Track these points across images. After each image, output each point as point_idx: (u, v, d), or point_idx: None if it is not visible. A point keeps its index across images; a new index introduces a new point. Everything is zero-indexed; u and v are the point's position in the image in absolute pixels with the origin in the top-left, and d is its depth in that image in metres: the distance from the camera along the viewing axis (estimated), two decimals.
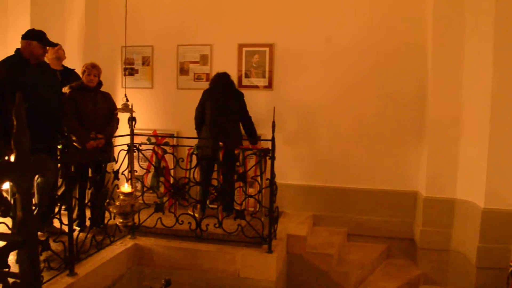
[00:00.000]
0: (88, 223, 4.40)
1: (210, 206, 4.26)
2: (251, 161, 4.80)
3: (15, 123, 1.07)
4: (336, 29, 5.31)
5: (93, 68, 4.37)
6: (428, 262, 4.82)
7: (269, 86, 5.52)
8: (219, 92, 4.92)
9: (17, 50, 3.93)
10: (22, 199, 1.06)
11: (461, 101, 4.63)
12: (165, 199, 4.45)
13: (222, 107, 4.85)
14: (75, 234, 3.56)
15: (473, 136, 4.47)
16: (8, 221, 2.98)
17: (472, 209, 4.37)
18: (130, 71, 5.96)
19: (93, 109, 4.34)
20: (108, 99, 4.56)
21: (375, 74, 5.25)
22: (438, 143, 4.77)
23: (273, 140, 3.92)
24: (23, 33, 4.04)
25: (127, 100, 3.51)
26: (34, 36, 3.92)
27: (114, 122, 4.55)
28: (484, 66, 4.25)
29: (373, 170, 5.31)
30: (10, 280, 1.13)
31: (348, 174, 5.37)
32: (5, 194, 2.91)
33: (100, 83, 4.49)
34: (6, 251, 1.06)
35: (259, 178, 4.31)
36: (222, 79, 4.98)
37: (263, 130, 5.35)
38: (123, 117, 4.16)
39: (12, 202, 2.61)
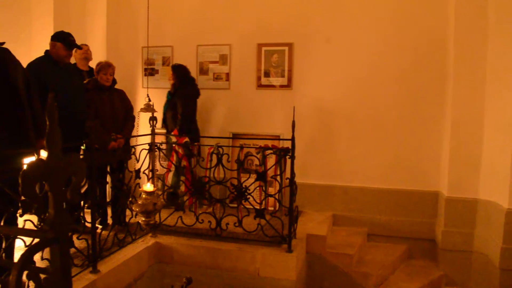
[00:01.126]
0: (109, 221, 4.49)
1: (230, 205, 4.28)
2: (271, 160, 4.80)
3: (47, 123, 1.10)
4: (356, 28, 5.28)
5: (109, 67, 4.41)
6: (449, 263, 4.76)
7: (288, 85, 5.52)
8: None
9: (46, 51, 4.04)
10: (54, 198, 1.09)
11: (484, 100, 4.56)
12: (185, 198, 4.48)
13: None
14: (98, 232, 3.61)
15: (496, 136, 4.39)
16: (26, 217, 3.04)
17: (495, 210, 4.30)
18: (150, 71, 6.02)
19: (111, 109, 4.40)
20: (123, 98, 4.62)
21: (395, 73, 5.20)
22: (460, 143, 4.70)
23: (293, 139, 3.92)
24: (46, 34, 4.16)
25: (149, 100, 3.56)
26: (59, 38, 4.03)
27: (131, 121, 4.61)
28: (508, 64, 4.17)
29: (393, 169, 5.26)
30: (42, 276, 1.16)
31: (368, 173, 5.33)
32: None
33: (114, 81, 4.53)
34: (38, 247, 1.09)
35: (278, 177, 4.31)
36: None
37: (282, 130, 5.36)
38: (144, 116, 4.21)
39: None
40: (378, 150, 5.30)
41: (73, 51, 4.30)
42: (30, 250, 1.06)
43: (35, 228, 3.10)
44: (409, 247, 5.19)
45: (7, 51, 3.22)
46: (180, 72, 5.20)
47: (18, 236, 2.84)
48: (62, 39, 4.02)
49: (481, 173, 4.61)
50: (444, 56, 4.97)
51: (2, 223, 2.81)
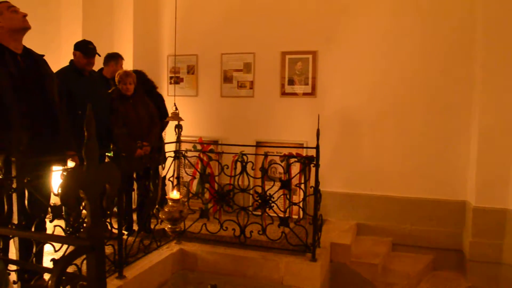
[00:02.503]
0: (135, 227, 4.55)
1: (254, 213, 4.28)
2: (295, 168, 4.80)
3: (85, 134, 1.13)
4: (381, 35, 5.25)
5: (126, 77, 4.44)
6: (477, 274, 4.65)
7: (312, 93, 5.51)
8: None
9: (71, 61, 4.16)
10: (91, 206, 1.12)
11: None
12: (210, 205, 4.51)
13: None
14: (124, 238, 3.67)
15: None
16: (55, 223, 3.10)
17: None
18: (175, 80, 6.10)
19: (136, 117, 4.47)
20: (147, 104, 4.68)
21: (420, 80, 5.14)
22: (489, 150, 4.61)
23: (317, 147, 3.91)
24: (74, 43, 4.27)
25: (177, 109, 3.61)
26: (78, 47, 4.13)
27: (156, 128, 4.67)
28: None
29: (419, 178, 5.19)
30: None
31: (393, 182, 5.26)
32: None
33: (137, 89, 4.58)
34: (76, 255, 1.12)
35: (302, 186, 4.31)
36: None
37: (306, 137, 5.35)
38: (170, 124, 4.27)
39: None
40: (403, 159, 5.24)
41: (95, 59, 4.36)
42: (68, 258, 1.09)
43: (64, 234, 3.17)
44: (435, 257, 5.09)
45: (45, 63, 3.33)
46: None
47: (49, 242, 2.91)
48: (81, 48, 4.10)
49: (510, 182, 4.51)
50: (472, 61, 4.89)
51: (33, 229, 2.89)
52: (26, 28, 3.19)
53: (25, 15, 3.16)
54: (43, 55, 3.36)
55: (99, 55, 4.40)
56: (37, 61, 3.26)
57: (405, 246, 5.20)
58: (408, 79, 5.19)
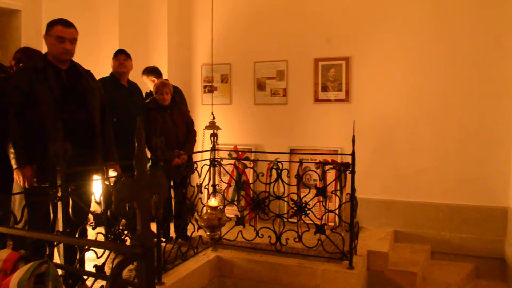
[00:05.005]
0: (172, 234, 4.63)
1: (290, 220, 4.29)
2: (329, 175, 4.77)
3: (136, 144, 1.18)
4: (416, 39, 5.17)
5: (163, 87, 4.55)
6: None
7: (346, 99, 5.48)
8: None
9: (111, 73, 4.34)
10: (141, 214, 1.16)
11: None
12: (245, 212, 4.54)
13: None
14: (162, 245, 3.73)
15: None
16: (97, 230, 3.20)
17: None
18: (209, 89, 6.19)
19: (173, 126, 4.56)
20: (183, 113, 4.77)
21: (457, 84, 5.03)
22: None
23: (353, 154, 3.88)
24: (111, 55, 4.48)
25: (214, 118, 3.66)
26: (113, 56, 4.40)
27: (192, 137, 4.76)
28: None
29: (458, 184, 5.06)
30: None
31: (430, 188, 5.15)
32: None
33: (173, 99, 4.68)
34: (127, 262, 1.16)
35: (338, 192, 4.28)
36: None
37: (341, 144, 5.32)
38: (206, 132, 4.34)
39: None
40: (441, 164, 5.12)
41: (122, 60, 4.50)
42: (121, 264, 1.13)
43: (104, 240, 3.26)
44: (476, 266, 4.94)
45: (90, 77, 3.46)
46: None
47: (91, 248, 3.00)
48: (113, 56, 4.39)
49: None
50: (510, 65, 4.76)
51: (76, 235, 2.99)
52: (63, 60, 3.31)
53: (67, 49, 3.27)
54: (89, 71, 3.50)
55: (129, 54, 4.49)
56: (82, 75, 3.39)
57: (445, 254, 5.08)
58: (445, 83, 5.08)
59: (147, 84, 5.00)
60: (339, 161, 4.75)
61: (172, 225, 4.75)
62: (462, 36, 4.99)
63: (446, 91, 5.09)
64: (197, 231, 4.23)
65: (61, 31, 3.23)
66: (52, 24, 3.26)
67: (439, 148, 5.14)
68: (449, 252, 5.05)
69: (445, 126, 5.11)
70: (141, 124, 1.16)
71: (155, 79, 5.08)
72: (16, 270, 1.54)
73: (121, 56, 4.36)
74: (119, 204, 1.12)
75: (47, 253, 2.57)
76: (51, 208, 2.77)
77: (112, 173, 3.56)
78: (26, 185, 3.13)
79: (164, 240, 4.08)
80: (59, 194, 2.77)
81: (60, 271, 2.43)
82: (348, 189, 4.00)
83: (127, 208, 1.14)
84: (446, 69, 5.07)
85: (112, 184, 3.10)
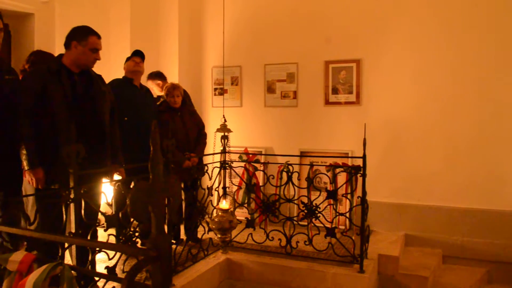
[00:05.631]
0: (182, 236, 4.64)
1: (300, 223, 4.28)
2: (340, 178, 4.74)
3: (151, 148, 1.18)
4: (428, 40, 5.14)
5: (174, 89, 4.57)
6: None
7: (357, 102, 5.46)
8: None
9: (124, 76, 4.40)
10: (156, 218, 1.17)
11: None
12: (255, 215, 4.54)
13: None
14: (173, 247, 3.75)
15: None
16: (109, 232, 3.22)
17: None
18: (220, 91, 6.21)
19: (184, 129, 4.58)
20: (194, 116, 4.80)
21: (469, 85, 4.99)
22: None
23: (364, 157, 3.86)
24: (123, 58, 4.56)
25: (225, 121, 3.67)
26: (127, 59, 4.48)
27: (203, 139, 4.77)
28: None
29: (471, 188, 5.01)
30: None
31: (442, 192, 5.11)
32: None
33: (184, 101, 4.71)
34: (142, 265, 1.17)
35: (349, 196, 4.27)
36: None
37: (351, 147, 5.30)
38: (217, 135, 4.36)
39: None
40: (453, 168, 5.08)
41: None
42: (135, 268, 1.13)
43: (116, 242, 3.28)
44: (489, 270, 4.89)
45: (100, 82, 3.49)
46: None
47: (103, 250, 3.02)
48: (128, 59, 4.45)
49: None
50: None
51: (88, 237, 3.01)
52: (88, 68, 3.37)
53: (97, 59, 3.34)
54: (100, 75, 3.53)
55: (144, 57, 4.54)
56: (93, 79, 3.42)
57: (456, 258, 5.03)
58: (456, 85, 5.05)
59: (152, 89, 5.03)
60: (349, 164, 4.72)
61: (182, 227, 4.77)
62: (474, 37, 4.96)
63: (457, 93, 5.05)
64: (208, 233, 4.24)
65: (96, 43, 3.32)
66: (86, 34, 3.30)
67: (450, 151, 5.10)
68: (461, 256, 5.00)
69: (456, 128, 5.07)
70: (157, 128, 1.17)
71: (160, 82, 5.12)
72: (31, 271, 1.56)
73: (137, 58, 4.42)
74: (135, 207, 1.12)
75: (59, 254, 2.58)
76: (63, 209, 2.79)
77: (117, 176, 3.59)
78: (39, 186, 3.16)
79: (174, 242, 4.09)
80: (72, 196, 2.80)
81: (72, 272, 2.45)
82: (359, 192, 3.98)
83: (142, 211, 1.15)
84: (457, 71, 5.04)
85: (122, 187, 3.12)
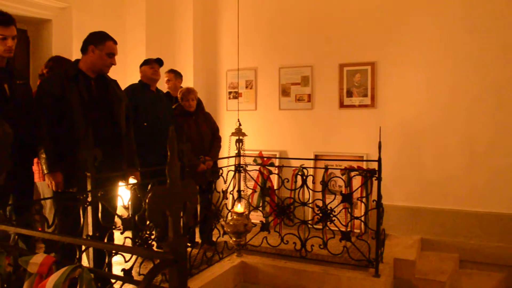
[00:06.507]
0: (196, 240, 4.67)
1: (315, 226, 4.27)
2: (355, 182, 4.73)
3: (168, 153, 1.20)
4: (443, 42, 5.10)
5: (189, 93, 4.61)
6: None
7: (372, 104, 5.43)
8: None
9: (140, 80, 4.45)
10: (173, 222, 1.18)
11: None
12: (270, 218, 4.55)
13: None
14: (188, 250, 3.77)
15: None
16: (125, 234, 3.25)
17: None
18: (234, 95, 6.24)
19: (198, 132, 4.61)
20: (209, 119, 4.83)
21: (486, 87, 4.93)
22: None
23: (379, 160, 3.84)
24: (139, 62, 4.61)
25: (240, 125, 3.69)
26: (143, 62, 4.52)
27: (217, 142, 4.80)
28: None
29: (488, 191, 4.94)
30: None
31: (459, 195, 5.05)
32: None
33: (199, 105, 4.74)
34: (160, 268, 1.19)
35: (364, 199, 4.25)
36: None
37: (366, 150, 5.28)
38: (232, 138, 4.38)
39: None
40: (470, 171, 5.01)
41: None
42: (153, 271, 1.15)
43: (132, 245, 3.32)
44: (507, 275, 4.81)
45: (116, 87, 3.54)
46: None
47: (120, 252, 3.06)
48: (146, 61, 4.51)
49: None
50: None
51: (105, 240, 3.05)
52: (104, 73, 3.42)
53: (113, 64, 3.39)
54: (115, 80, 3.58)
55: (162, 62, 4.59)
56: (109, 84, 3.47)
57: (474, 263, 4.96)
58: (473, 87, 4.99)
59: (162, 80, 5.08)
60: (364, 167, 4.70)
61: (197, 230, 4.79)
62: (491, 38, 4.90)
63: (474, 94, 4.99)
64: (222, 237, 4.26)
65: (113, 47, 3.37)
66: (103, 39, 3.35)
67: (467, 154, 5.04)
68: (479, 261, 4.93)
69: (473, 131, 5.01)
70: (174, 133, 1.18)
71: (172, 77, 5.17)
72: (51, 273, 1.59)
73: (156, 65, 4.49)
74: (152, 212, 1.14)
75: (77, 256, 2.62)
76: (81, 213, 2.83)
77: (132, 180, 3.63)
78: (58, 189, 3.21)
79: (189, 245, 4.11)
80: (89, 199, 2.84)
81: None
82: (374, 195, 3.96)
83: (160, 215, 1.17)
84: (474, 73, 4.98)
85: (138, 190, 3.16)
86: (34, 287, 1.64)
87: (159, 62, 4.52)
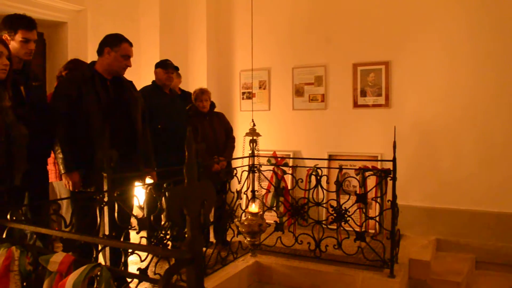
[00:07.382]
0: (211, 239, 4.69)
1: (329, 226, 4.26)
2: (369, 182, 4.70)
3: (186, 154, 1.22)
4: (458, 42, 5.05)
5: (202, 94, 4.64)
6: None
7: (386, 104, 5.40)
8: None
9: (153, 81, 4.49)
10: (191, 221, 1.20)
11: None
12: (284, 218, 4.55)
13: None
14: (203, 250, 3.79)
15: None
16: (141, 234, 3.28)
17: None
18: (248, 95, 6.26)
19: (212, 133, 4.64)
20: (222, 120, 4.85)
21: (502, 86, 4.86)
22: None
23: (394, 160, 3.83)
24: (153, 64, 4.66)
25: (254, 125, 3.71)
26: (157, 64, 4.54)
27: (231, 143, 4.82)
28: None
29: (504, 191, 4.87)
30: None
31: (475, 196, 4.99)
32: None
33: (212, 105, 4.77)
34: (177, 267, 1.20)
35: (379, 199, 4.23)
36: None
37: (380, 149, 5.25)
38: (246, 139, 4.39)
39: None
40: (486, 170, 4.95)
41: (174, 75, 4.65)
42: (171, 270, 1.17)
43: (147, 244, 3.35)
44: None
45: (132, 88, 3.58)
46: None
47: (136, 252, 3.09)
48: (160, 64, 4.52)
49: None
50: None
51: (121, 239, 3.08)
52: (120, 74, 3.46)
53: (129, 66, 3.43)
54: (131, 81, 3.62)
55: (178, 68, 4.65)
56: (125, 86, 3.51)
57: (490, 264, 4.89)
58: (488, 86, 4.93)
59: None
60: (379, 167, 4.68)
61: (211, 230, 4.81)
62: (507, 37, 4.83)
63: (489, 94, 4.93)
64: (237, 237, 4.28)
65: (128, 49, 3.41)
66: (119, 41, 3.40)
67: (484, 154, 4.98)
68: (496, 262, 4.86)
69: (490, 131, 4.95)
70: (191, 134, 1.20)
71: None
72: (70, 272, 1.62)
73: (172, 70, 4.53)
74: (171, 210, 1.16)
75: (93, 256, 2.66)
76: (98, 212, 2.87)
77: (149, 180, 3.66)
78: (75, 189, 3.26)
79: (204, 245, 4.13)
80: (106, 199, 2.87)
81: None
82: (389, 195, 3.94)
83: (178, 214, 1.19)
84: (490, 72, 4.92)
85: (154, 190, 3.19)
86: (54, 286, 1.67)
87: (176, 69, 4.56)
